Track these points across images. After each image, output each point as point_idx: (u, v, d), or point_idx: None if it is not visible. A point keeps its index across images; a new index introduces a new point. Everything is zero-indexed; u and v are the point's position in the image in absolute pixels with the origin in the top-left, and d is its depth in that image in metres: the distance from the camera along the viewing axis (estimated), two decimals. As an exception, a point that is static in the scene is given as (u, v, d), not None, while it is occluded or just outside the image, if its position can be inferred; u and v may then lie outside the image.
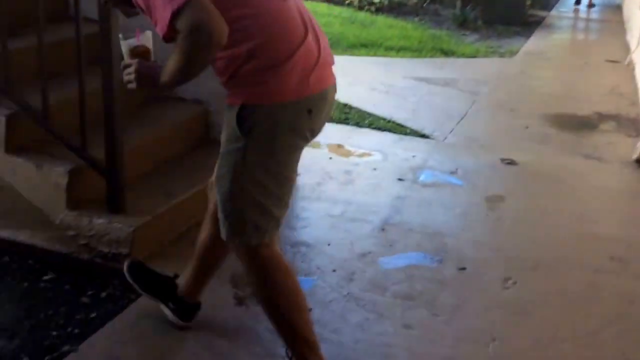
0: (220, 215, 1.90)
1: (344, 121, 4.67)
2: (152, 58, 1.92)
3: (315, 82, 1.81)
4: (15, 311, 2.36)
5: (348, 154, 4.07)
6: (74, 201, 2.67)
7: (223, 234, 1.91)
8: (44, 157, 2.70)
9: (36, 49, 2.64)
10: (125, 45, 1.92)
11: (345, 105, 4.95)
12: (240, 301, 2.48)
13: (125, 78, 1.87)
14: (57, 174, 2.64)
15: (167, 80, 1.77)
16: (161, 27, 1.65)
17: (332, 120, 4.33)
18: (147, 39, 1.92)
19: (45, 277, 2.55)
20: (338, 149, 4.11)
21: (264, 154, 1.80)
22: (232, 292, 2.52)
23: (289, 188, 1.90)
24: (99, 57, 2.51)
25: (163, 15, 1.63)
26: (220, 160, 1.88)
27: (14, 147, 2.72)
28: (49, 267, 2.59)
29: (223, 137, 1.86)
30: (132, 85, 1.86)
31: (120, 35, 1.95)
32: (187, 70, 1.71)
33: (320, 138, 2.09)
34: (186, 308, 2.27)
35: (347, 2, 9.63)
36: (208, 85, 2.52)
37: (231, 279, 2.56)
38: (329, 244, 2.95)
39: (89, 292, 2.47)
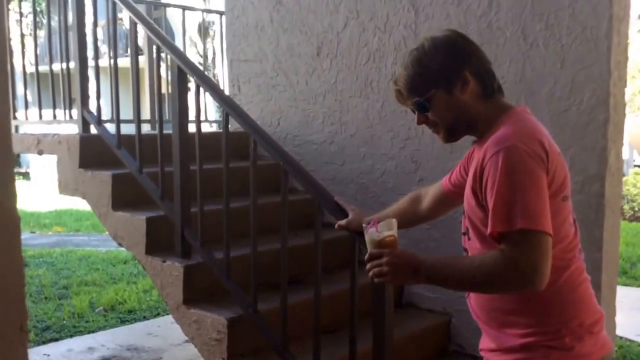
0: None
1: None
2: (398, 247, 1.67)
3: (604, 343, 1.65)
4: None
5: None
6: None
7: None
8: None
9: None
10: (367, 235, 1.67)
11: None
12: None
13: (375, 271, 1.64)
14: None
15: (444, 279, 1.62)
16: (490, 233, 1.52)
17: None
18: (391, 226, 1.66)
19: None
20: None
21: None
22: None
23: None
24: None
25: (495, 224, 1.49)
26: None
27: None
28: None
29: None
30: (383, 280, 1.65)
31: (364, 225, 1.71)
32: (480, 290, 1.62)
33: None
34: None
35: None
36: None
37: None
38: None
39: None
